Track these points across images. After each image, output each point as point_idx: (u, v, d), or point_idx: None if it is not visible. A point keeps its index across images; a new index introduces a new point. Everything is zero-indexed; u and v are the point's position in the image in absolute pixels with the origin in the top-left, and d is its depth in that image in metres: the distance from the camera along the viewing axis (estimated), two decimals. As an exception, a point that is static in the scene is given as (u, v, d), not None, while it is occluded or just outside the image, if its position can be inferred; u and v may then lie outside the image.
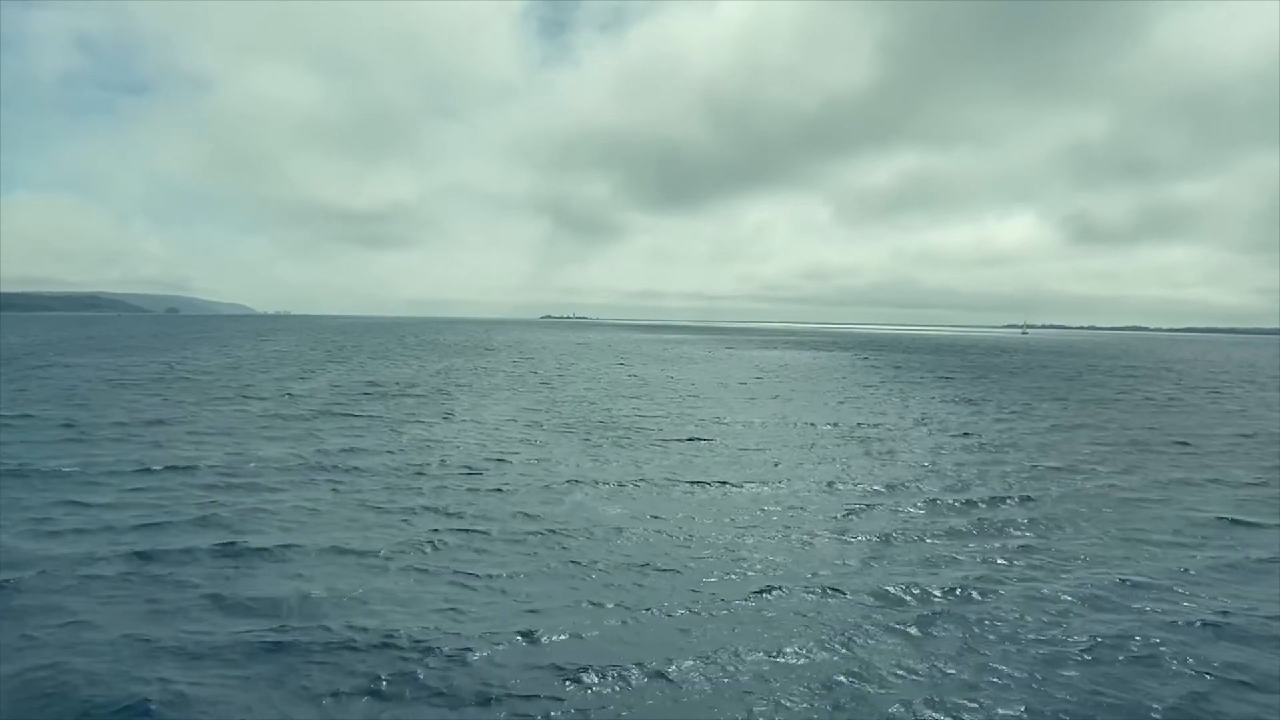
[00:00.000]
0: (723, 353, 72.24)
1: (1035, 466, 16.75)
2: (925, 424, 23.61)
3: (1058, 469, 16.56)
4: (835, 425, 22.72)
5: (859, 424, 23.13)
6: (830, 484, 14.44)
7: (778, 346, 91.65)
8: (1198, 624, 8.03)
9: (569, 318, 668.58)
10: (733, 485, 14.16)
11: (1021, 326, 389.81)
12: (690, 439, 19.64)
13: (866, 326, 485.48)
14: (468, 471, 14.92)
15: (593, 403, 27.51)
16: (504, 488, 13.54)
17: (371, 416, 22.35)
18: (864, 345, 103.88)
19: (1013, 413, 27.40)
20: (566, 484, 13.95)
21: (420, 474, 14.59)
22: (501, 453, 16.95)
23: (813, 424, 22.88)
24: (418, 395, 28.56)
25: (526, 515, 11.74)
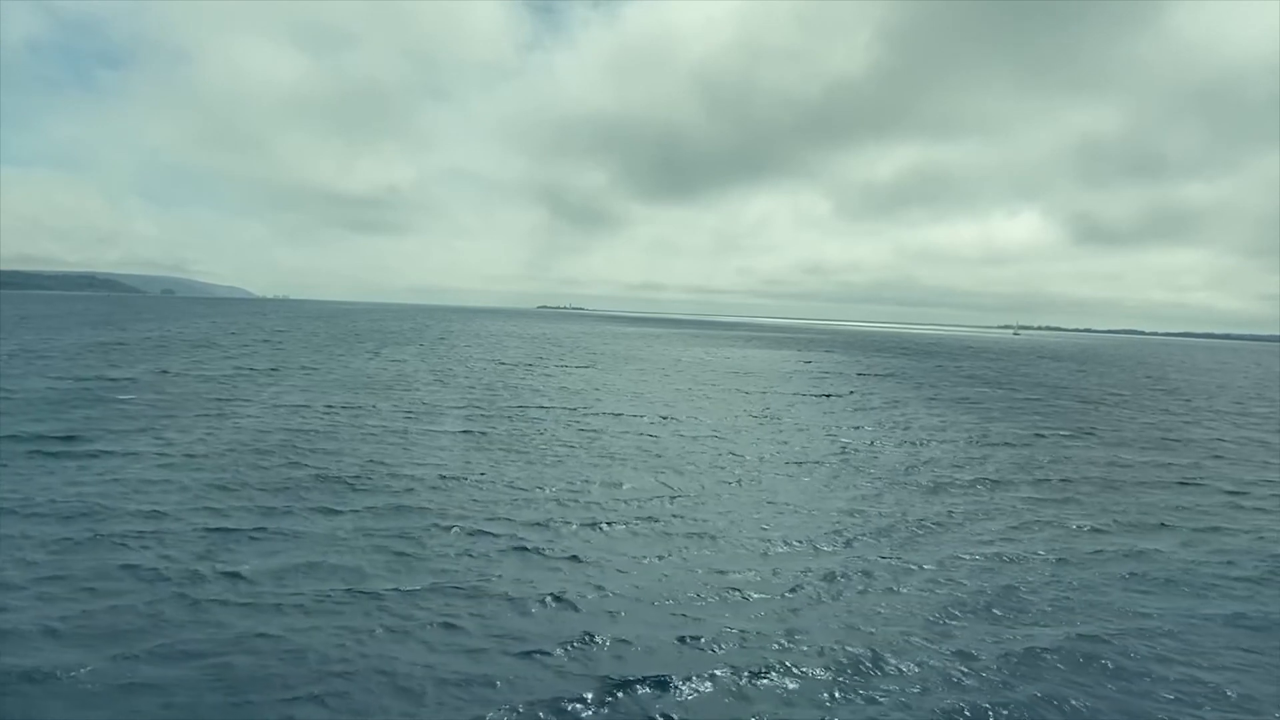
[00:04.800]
0: (682, 348, 71.28)
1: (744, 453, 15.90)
2: (768, 415, 22.80)
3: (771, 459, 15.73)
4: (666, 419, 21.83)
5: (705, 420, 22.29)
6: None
7: (751, 345, 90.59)
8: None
9: (565, 308, 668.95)
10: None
11: (1013, 328, 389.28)
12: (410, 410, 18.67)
13: (864, 325, 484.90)
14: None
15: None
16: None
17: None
18: (839, 344, 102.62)
19: (875, 408, 26.54)
20: None
21: None
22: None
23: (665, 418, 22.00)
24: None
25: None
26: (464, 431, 18.78)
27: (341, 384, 27.83)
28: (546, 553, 9.87)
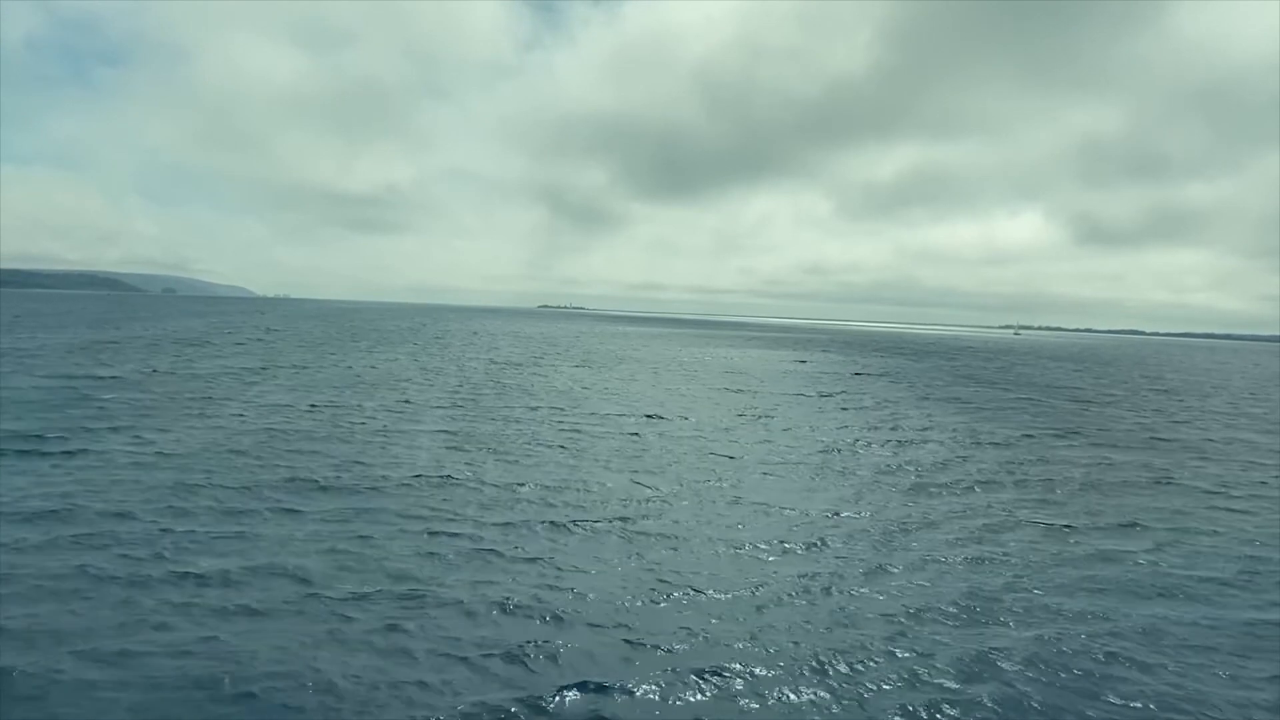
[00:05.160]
0: (679, 348, 71.19)
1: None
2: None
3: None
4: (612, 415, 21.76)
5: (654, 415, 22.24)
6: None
7: (749, 345, 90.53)
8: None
9: (565, 308, 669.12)
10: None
11: (1014, 328, 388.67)
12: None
13: (865, 325, 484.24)
14: None
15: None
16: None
17: None
18: (838, 344, 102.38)
19: (865, 407, 26.46)
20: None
21: None
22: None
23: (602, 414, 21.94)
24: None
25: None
26: (444, 431, 18.70)
27: (328, 383, 27.75)
28: (507, 555, 9.77)
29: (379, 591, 8.31)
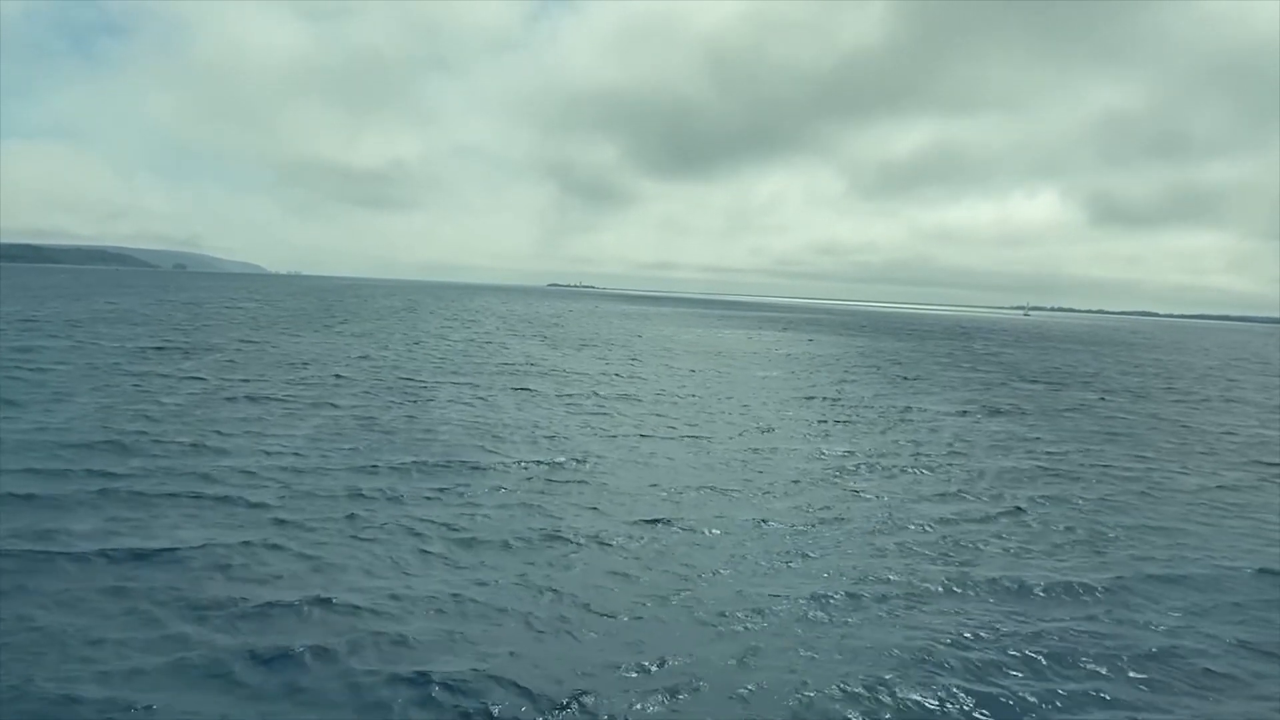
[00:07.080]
0: (674, 328, 70.48)
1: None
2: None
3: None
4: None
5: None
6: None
7: (752, 325, 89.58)
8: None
9: (576, 287, 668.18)
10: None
11: (1024, 309, 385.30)
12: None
13: (877, 305, 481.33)
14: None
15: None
16: None
17: None
18: (836, 326, 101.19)
19: (818, 386, 25.65)
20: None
21: None
22: None
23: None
24: None
25: None
26: (341, 414, 17.73)
27: (252, 363, 26.53)
28: (287, 549, 8.96)
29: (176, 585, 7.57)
